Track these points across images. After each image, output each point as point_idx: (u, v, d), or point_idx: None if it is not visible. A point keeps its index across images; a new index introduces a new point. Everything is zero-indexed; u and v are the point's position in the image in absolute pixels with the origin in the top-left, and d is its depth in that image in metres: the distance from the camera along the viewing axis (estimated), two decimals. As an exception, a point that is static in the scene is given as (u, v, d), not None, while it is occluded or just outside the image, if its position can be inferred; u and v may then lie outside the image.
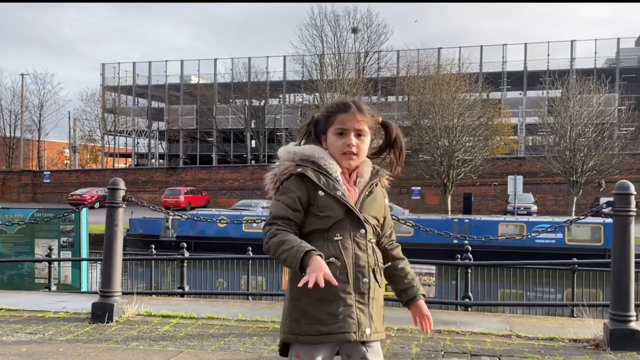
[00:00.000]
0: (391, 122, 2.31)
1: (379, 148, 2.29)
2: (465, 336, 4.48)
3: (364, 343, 2.08)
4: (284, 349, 2.15)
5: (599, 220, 19.66)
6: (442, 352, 4.08)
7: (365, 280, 2.08)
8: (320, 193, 2.09)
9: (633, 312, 4.22)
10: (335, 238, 2.08)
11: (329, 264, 2.02)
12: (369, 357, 2.09)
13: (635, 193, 4.19)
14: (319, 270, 1.91)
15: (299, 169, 2.12)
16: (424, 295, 2.25)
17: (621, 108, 39.53)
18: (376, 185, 2.22)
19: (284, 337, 2.12)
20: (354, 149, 2.15)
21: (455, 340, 4.39)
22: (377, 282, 2.14)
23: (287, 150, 2.21)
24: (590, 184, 32.35)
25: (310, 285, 1.89)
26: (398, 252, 2.30)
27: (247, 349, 4.19)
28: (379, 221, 2.21)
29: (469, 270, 7.31)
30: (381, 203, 2.21)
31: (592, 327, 4.45)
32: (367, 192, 2.17)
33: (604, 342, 4.21)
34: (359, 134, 2.18)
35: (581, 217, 5.17)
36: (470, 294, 7.23)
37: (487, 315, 5.53)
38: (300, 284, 1.91)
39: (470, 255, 7.32)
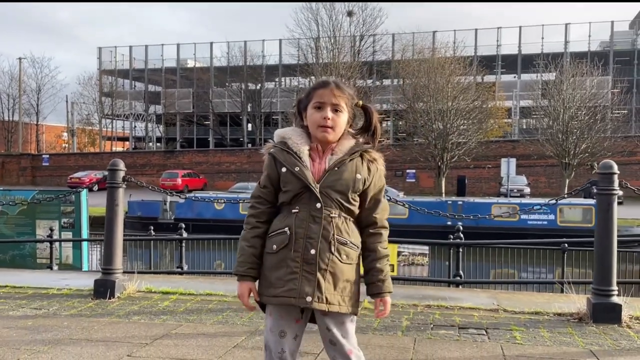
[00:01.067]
0: (370, 105, 2.38)
1: (359, 129, 2.36)
2: (454, 311, 4.60)
3: (326, 313, 2.19)
4: (263, 306, 2.32)
5: (591, 201, 19.84)
6: (432, 325, 4.20)
7: (313, 251, 2.15)
8: (283, 169, 2.23)
9: (615, 287, 4.35)
10: (293, 210, 2.21)
11: (282, 233, 2.20)
12: (330, 327, 2.21)
13: (618, 172, 4.30)
14: (238, 294, 2.28)
15: (271, 150, 2.30)
16: (389, 293, 2.30)
17: (614, 91, 39.57)
18: (350, 160, 2.24)
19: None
20: (330, 122, 2.23)
21: (444, 315, 4.51)
22: (335, 256, 2.19)
23: (275, 133, 2.38)
24: (583, 166, 32.52)
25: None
26: (373, 240, 2.29)
27: (244, 323, 4.32)
28: (347, 197, 2.22)
29: (460, 250, 7.43)
30: (349, 177, 2.21)
31: (576, 301, 4.58)
32: (335, 167, 2.21)
33: (587, 315, 4.34)
34: (335, 109, 2.26)
35: (565, 196, 5.29)
36: (461, 273, 7.37)
37: (475, 292, 5.67)
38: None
39: (462, 235, 7.45)
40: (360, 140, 2.33)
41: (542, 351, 3.64)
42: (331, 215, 2.19)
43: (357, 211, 2.26)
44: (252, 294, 2.25)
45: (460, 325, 4.22)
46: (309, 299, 2.14)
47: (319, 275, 2.16)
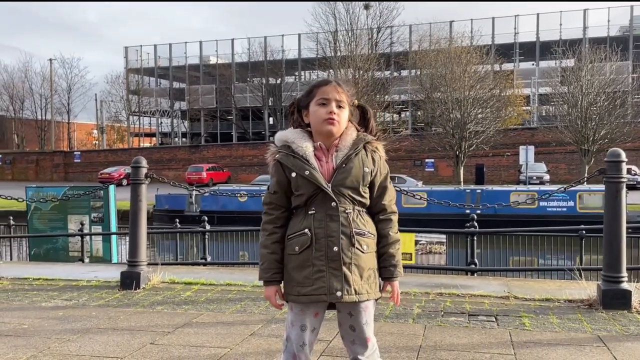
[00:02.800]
0: (367, 105, 2.43)
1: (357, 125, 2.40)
2: (465, 298, 4.61)
3: (349, 305, 2.25)
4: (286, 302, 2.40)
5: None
6: (442, 313, 4.23)
7: (336, 248, 2.20)
8: (293, 175, 2.25)
9: (624, 273, 4.32)
10: (310, 212, 2.25)
11: (303, 234, 2.24)
12: (354, 313, 2.27)
13: (626, 160, 4.26)
14: (267, 298, 2.37)
15: (277, 156, 2.31)
16: (399, 277, 2.35)
17: (634, 76, 38.73)
18: (355, 154, 2.27)
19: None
20: (335, 116, 2.27)
21: (455, 302, 4.53)
22: (357, 249, 2.24)
23: (275, 137, 2.40)
24: (603, 152, 31.94)
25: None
26: (384, 226, 2.34)
27: (261, 312, 4.39)
28: (358, 191, 2.27)
29: (474, 238, 7.42)
30: (357, 172, 2.25)
31: (587, 288, 4.55)
32: (343, 164, 2.25)
33: (597, 302, 4.32)
34: (339, 105, 2.29)
35: (572, 185, 5.25)
36: (476, 261, 7.36)
37: (487, 279, 5.66)
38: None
39: (476, 224, 7.43)
40: (361, 131, 2.36)
41: (549, 337, 3.64)
42: (346, 211, 2.24)
43: (368, 202, 2.31)
44: (277, 295, 2.32)
45: (470, 312, 4.23)
46: (339, 294, 2.20)
47: (344, 269, 2.21)
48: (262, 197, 2.38)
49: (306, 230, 2.23)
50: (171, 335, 3.81)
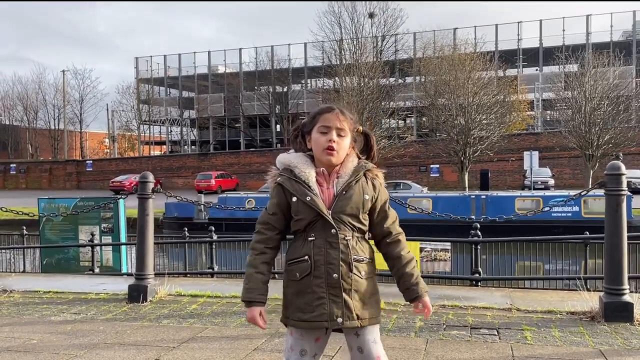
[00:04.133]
0: (369, 131, 2.42)
1: (359, 152, 2.40)
2: (468, 310, 4.57)
3: (354, 328, 2.23)
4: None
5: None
6: (444, 326, 4.19)
7: (335, 275, 2.18)
8: (294, 199, 2.24)
9: (626, 286, 4.27)
10: (309, 238, 2.22)
11: (303, 261, 2.22)
12: (361, 334, 2.25)
13: (626, 173, 4.22)
14: (249, 319, 2.31)
15: (279, 179, 2.30)
16: (426, 292, 2.32)
17: (638, 80, 38.47)
18: (356, 182, 2.27)
19: (281, 317, 2.35)
20: (335, 145, 2.26)
21: (457, 315, 4.49)
22: (356, 275, 2.23)
23: (278, 160, 2.38)
24: (608, 157, 31.73)
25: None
26: (393, 249, 2.33)
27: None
28: (358, 218, 2.26)
29: (478, 247, 7.37)
30: (358, 200, 2.24)
31: (589, 300, 4.50)
32: (343, 191, 2.25)
33: (599, 314, 4.27)
34: (340, 134, 2.28)
35: (573, 198, 5.20)
36: (479, 269, 7.30)
37: (490, 290, 5.61)
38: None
39: (479, 233, 7.37)
40: (362, 158, 2.36)
41: (551, 351, 3.59)
42: (346, 238, 2.22)
43: (367, 228, 2.31)
44: (262, 316, 2.28)
45: (472, 325, 4.20)
46: (339, 320, 2.19)
47: (344, 296, 2.20)
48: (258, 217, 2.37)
49: (306, 257, 2.22)
50: (176, 351, 3.81)
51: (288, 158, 2.35)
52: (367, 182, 2.29)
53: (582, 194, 5.16)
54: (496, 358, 3.50)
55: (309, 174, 2.27)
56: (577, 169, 36.80)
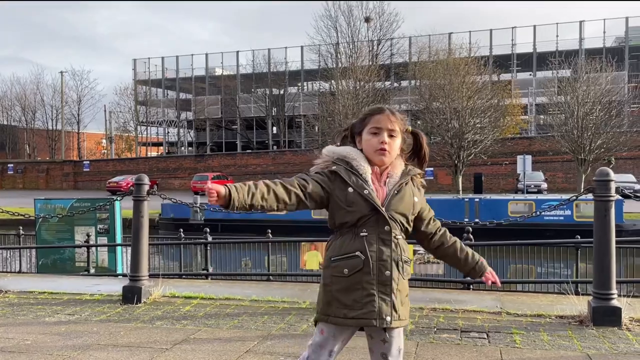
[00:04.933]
0: (419, 131, 2.42)
1: (407, 152, 2.40)
2: (458, 314, 4.58)
3: (385, 328, 2.22)
4: (315, 324, 2.33)
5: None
6: (435, 329, 4.20)
7: (387, 273, 2.19)
8: (350, 190, 2.21)
9: (614, 290, 4.29)
10: (362, 234, 2.20)
11: (354, 257, 2.19)
12: (388, 340, 2.24)
13: (614, 179, 4.24)
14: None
15: (334, 167, 2.26)
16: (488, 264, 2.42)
17: (630, 86, 38.64)
18: (406, 184, 2.29)
19: (317, 316, 2.29)
20: (387, 146, 2.26)
21: (448, 318, 4.50)
22: (401, 275, 2.25)
23: (329, 150, 2.34)
24: (600, 161, 31.83)
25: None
26: (447, 238, 2.39)
27: (258, 327, 4.38)
28: (407, 219, 2.28)
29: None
30: (409, 201, 2.27)
31: (577, 304, 4.52)
32: (395, 191, 2.24)
33: (587, 318, 4.28)
34: (391, 135, 2.29)
35: (564, 201, 5.22)
36: (471, 273, 7.30)
37: (481, 294, 5.63)
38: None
39: (471, 236, 7.39)
40: (409, 163, 2.38)
41: (539, 355, 3.61)
42: (397, 237, 2.24)
43: (411, 231, 2.34)
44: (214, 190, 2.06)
45: (462, 328, 4.21)
46: (388, 319, 2.18)
47: (392, 295, 2.20)
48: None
49: (358, 252, 2.19)
50: (169, 352, 3.80)
51: (346, 150, 2.32)
52: (414, 186, 2.33)
53: (572, 199, 5.18)
54: (485, 361, 3.52)
55: (367, 169, 2.27)
56: (569, 173, 36.91)
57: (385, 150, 2.26)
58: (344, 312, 2.18)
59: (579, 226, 18.64)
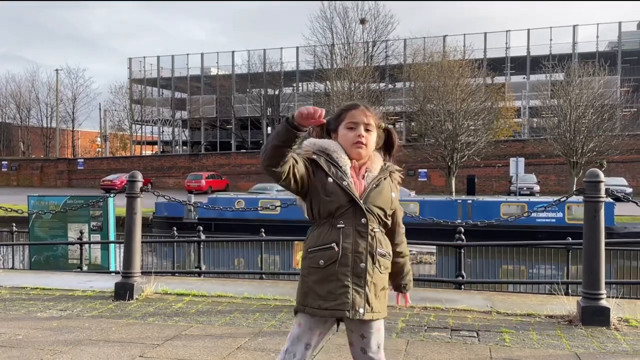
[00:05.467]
0: (391, 128, 2.46)
1: (378, 147, 2.42)
2: (449, 312, 4.59)
3: (363, 321, 2.22)
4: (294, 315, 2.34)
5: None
6: (425, 327, 4.21)
7: (362, 265, 2.19)
8: (329, 180, 2.22)
9: (603, 290, 4.31)
10: (338, 225, 2.21)
11: (330, 248, 2.20)
12: (367, 336, 2.25)
13: (604, 180, 4.27)
14: (306, 107, 2.07)
15: (314, 156, 2.27)
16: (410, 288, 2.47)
17: (622, 90, 38.85)
18: (384, 179, 2.32)
19: (295, 306, 2.30)
20: (364, 140, 2.28)
21: (439, 316, 4.51)
22: (377, 268, 2.25)
23: (309, 142, 2.34)
24: (592, 164, 31.96)
25: (310, 112, 2.04)
26: (401, 249, 2.40)
27: (249, 324, 4.38)
28: (385, 212, 2.30)
29: (462, 250, 7.40)
30: (387, 196, 2.29)
31: (567, 304, 4.54)
32: (374, 185, 2.27)
33: (577, 318, 4.30)
34: (367, 129, 2.31)
35: (555, 202, 5.26)
36: (463, 273, 7.34)
37: (471, 293, 5.65)
38: (304, 112, 2.05)
39: (463, 237, 7.41)
40: (386, 159, 2.41)
41: (528, 353, 3.63)
42: (374, 230, 2.25)
43: (389, 224, 2.34)
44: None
45: (453, 327, 4.22)
46: (361, 311, 2.19)
47: (366, 287, 2.20)
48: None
49: (333, 244, 2.20)
50: (160, 348, 3.80)
51: (326, 142, 2.34)
52: (392, 181, 2.34)
53: (562, 199, 5.21)
54: (474, 359, 3.53)
55: (347, 161, 2.28)
56: (561, 176, 37.07)
57: (362, 143, 2.28)
58: (318, 303, 2.19)
59: (571, 228, 18.74)
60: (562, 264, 12.09)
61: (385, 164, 2.36)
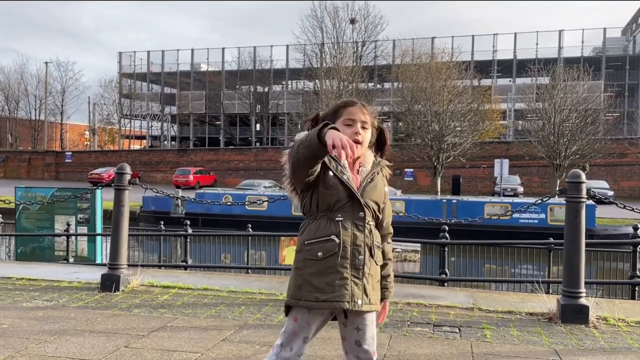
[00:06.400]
0: (384, 126, 2.47)
1: (371, 144, 2.43)
2: (432, 309, 4.61)
3: (358, 313, 2.22)
4: (287, 311, 2.29)
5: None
6: (408, 323, 4.23)
7: (361, 257, 2.20)
8: (330, 173, 2.22)
9: (583, 289, 4.36)
10: (337, 218, 2.21)
11: (329, 240, 2.19)
12: (362, 328, 2.24)
13: (586, 181, 4.32)
14: (340, 137, 2.00)
15: None
16: (391, 296, 2.43)
17: (605, 95, 39.27)
18: (377, 173, 2.33)
19: (287, 300, 2.26)
20: (360, 138, 2.29)
21: (422, 312, 4.54)
22: (374, 260, 2.26)
23: (305, 135, 2.29)
24: (575, 167, 32.21)
25: (340, 149, 1.98)
26: (387, 250, 2.39)
27: (234, 317, 4.37)
28: (379, 206, 2.31)
29: (446, 249, 7.45)
30: (381, 190, 2.31)
31: (547, 302, 4.59)
32: (369, 180, 2.28)
33: (556, 315, 4.35)
34: (363, 127, 2.32)
35: (537, 201, 5.31)
36: (446, 270, 7.39)
37: (454, 290, 5.68)
38: (329, 144, 1.99)
39: (447, 235, 7.46)
40: (377, 155, 2.41)
41: (508, 349, 3.66)
42: (370, 222, 2.26)
43: (380, 217, 2.35)
44: None
45: (435, 323, 4.25)
46: (360, 302, 2.18)
47: (364, 279, 2.21)
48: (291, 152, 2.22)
49: (333, 236, 2.19)
50: (145, 339, 3.78)
51: None
52: (382, 177, 2.36)
53: (544, 199, 5.27)
54: (456, 354, 3.56)
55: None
56: (545, 178, 37.41)
57: (358, 141, 2.29)
58: (315, 296, 2.17)
59: (553, 229, 18.93)
60: (543, 264, 12.22)
61: (376, 159, 2.38)
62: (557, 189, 27.11)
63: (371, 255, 2.25)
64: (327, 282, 2.17)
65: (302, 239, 2.25)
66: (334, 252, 2.19)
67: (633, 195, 35.29)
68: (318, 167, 2.20)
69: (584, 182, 4.28)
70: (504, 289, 8.95)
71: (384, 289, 2.35)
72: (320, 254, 2.19)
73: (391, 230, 2.42)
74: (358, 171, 2.31)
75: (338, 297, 2.16)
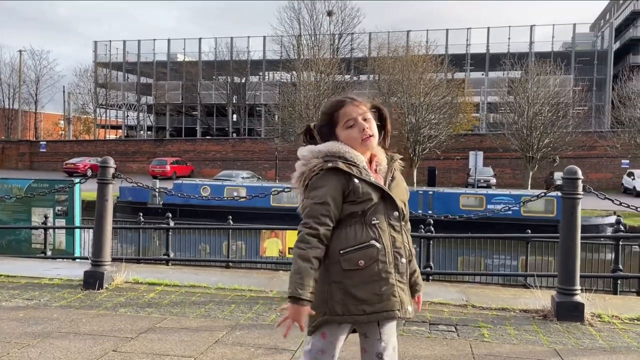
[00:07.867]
0: (382, 105, 2.25)
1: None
2: (425, 306, 4.47)
3: (379, 324, 2.03)
4: (313, 330, 2.07)
5: (553, 193, 19.97)
6: (404, 321, 4.12)
7: (403, 260, 2.03)
8: (356, 181, 2.02)
9: (578, 286, 4.28)
10: (373, 222, 2.02)
11: (369, 246, 1.99)
12: (385, 339, 2.05)
13: (582, 177, 4.24)
14: (293, 319, 1.93)
15: (330, 164, 2.04)
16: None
17: (576, 89, 39.84)
18: (395, 170, 2.16)
19: (324, 318, 2.02)
20: (369, 131, 2.10)
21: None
22: (412, 262, 2.12)
23: (310, 150, 2.11)
24: (546, 159, 32.71)
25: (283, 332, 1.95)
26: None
27: (225, 316, 4.18)
28: (405, 204, 2.14)
29: (430, 242, 7.36)
30: (404, 186, 2.16)
31: (541, 298, 4.50)
32: (390, 178, 2.12)
33: (551, 312, 4.26)
34: (364, 119, 2.12)
35: (533, 198, 5.24)
36: (431, 264, 7.31)
37: (445, 286, 5.58)
38: (276, 326, 1.94)
39: (432, 228, 7.36)
40: (384, 138, 2.21)
41: (509, 350, 3.56)
42: (403, 222, 2.10)
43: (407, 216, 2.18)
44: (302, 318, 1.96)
45: (431, 321, 4.13)
46: (410, 308, 2.03)
47: (407, 284, 2.06)
48: (302, 209, 2.05)
49: (372, 241, 2.00)
50: (134, 342, 3.58)
51: (333, 145, 2.10)
52: (399, 172, 2.19)
53: (540, 195, 5.19)
54: (456, 355, 3.44)
55: (362, 157, 2.09)
56: (517, 170, 37.86)
57: (369, 135, 2.10)
58: (362, 308, 1.97)
59: (526, 220, 19.14)
60: (520, 254, 12.30)
61: (388, 154, 2.19)
62: (530, 180, 27.42)
63: (409, 257, 2.09)
64: (374, 292, 1.98)
65: (335, 249, 2.02)
66: (375, 258, 1.99)
67: (600, 187, 35.97)
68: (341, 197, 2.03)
69: (580, 179, 4.20)
70: (484, 281, 8.93)
71: (414, 284, 2.17)
72: (361, 262, 1.98)
73: (409, 225, 2.22)
74: (376, 170, 2.14)
75: (387, 306, 1.98)
